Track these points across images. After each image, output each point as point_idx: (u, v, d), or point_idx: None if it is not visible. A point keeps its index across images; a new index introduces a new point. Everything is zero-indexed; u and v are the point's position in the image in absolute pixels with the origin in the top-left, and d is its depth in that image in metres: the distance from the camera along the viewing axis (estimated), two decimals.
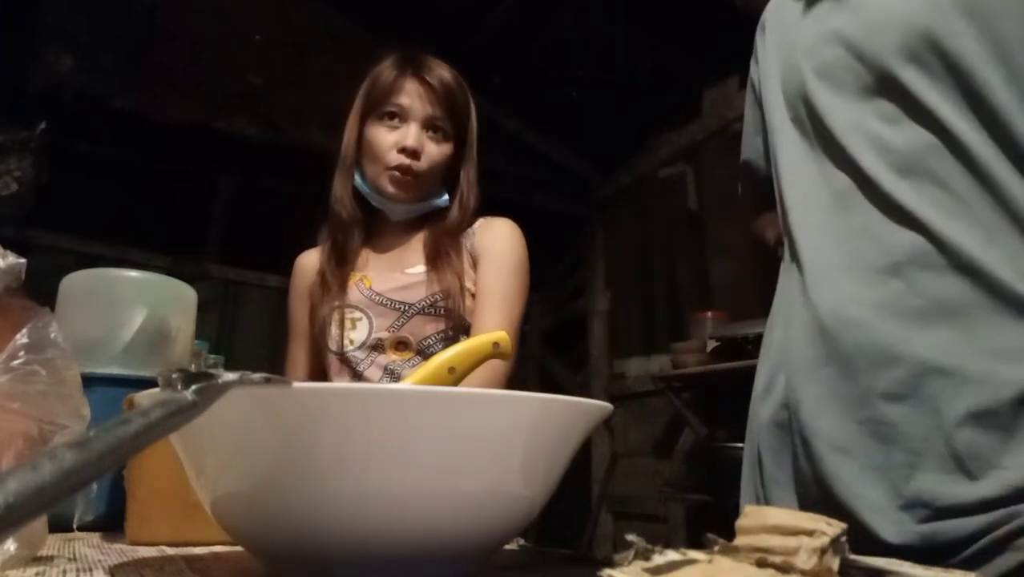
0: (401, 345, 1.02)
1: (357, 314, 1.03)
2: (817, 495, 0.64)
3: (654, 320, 3.51)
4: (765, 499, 0.73)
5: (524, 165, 3.71)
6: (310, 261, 1.13)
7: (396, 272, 1.05)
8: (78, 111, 3.04)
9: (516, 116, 3.62)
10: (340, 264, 1.06)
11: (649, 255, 3.60)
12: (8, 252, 0.59)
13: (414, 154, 1.01)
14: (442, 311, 1.02)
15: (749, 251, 3.06)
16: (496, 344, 0.70)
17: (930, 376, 0.57)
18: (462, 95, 1.07)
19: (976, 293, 0.58)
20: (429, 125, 1.04)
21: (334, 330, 1.03)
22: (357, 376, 1.02)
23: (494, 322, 0.99)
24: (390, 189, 1.03)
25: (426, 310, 1.02)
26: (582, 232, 4.05)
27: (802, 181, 0.71)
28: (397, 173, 1.02)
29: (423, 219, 1.08)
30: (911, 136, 0.62)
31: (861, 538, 0.58)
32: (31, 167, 2.74)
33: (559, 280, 4.17)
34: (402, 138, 1.02)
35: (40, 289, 0.64)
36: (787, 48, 0.76)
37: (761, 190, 0.87)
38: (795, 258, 0.71)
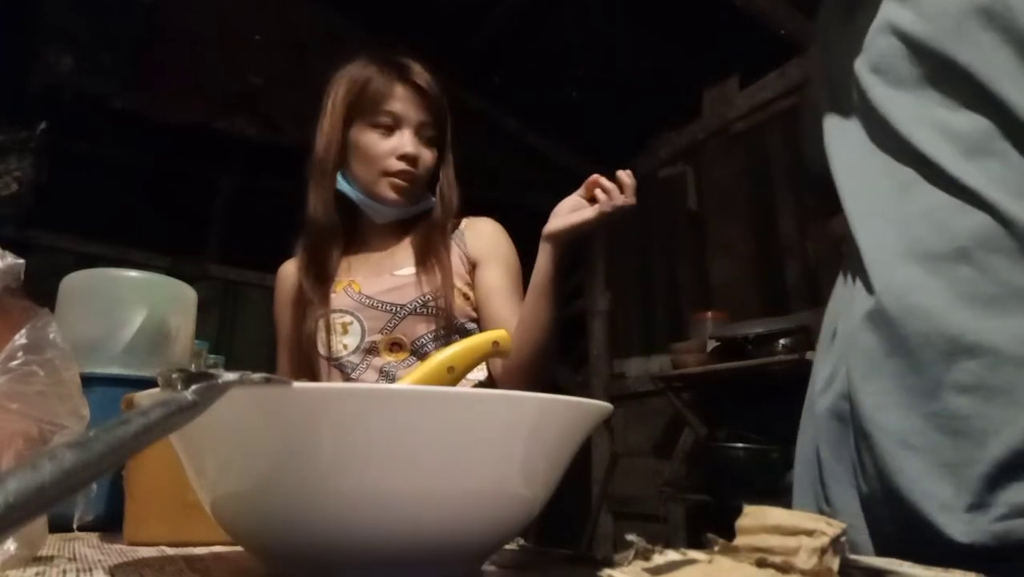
0: (395, 346, 1.03)
1: (348, 319, 1.03)
2: (880, 492, 0.62)
3: (654, 320, 3.51)
4: (825, 497, 0.70)
5: (524, 165, 3.71)
6: (291, 271, 1.12)
7: (384, 275, 1.06)
8: (78, 111, 3.04)
9: (516, 116, 3.62)
10: (319, 279, 1.06)
11: (649, 255, 3.60)
12: (7, 252, 0.59)
13: (414, 160, 1.03)
14: (434, 310, 1.02)
15: (749, 251, 3.06)
16: (496, 343, 0.70)
17: (1005, 366, 0.55)
18: (443, 98, 1.08)
19: None
20: (419, 131, 1.05)
21: (324, 337, 1.03)
22: (349, 381, 1.01)
23: (506, 312, 1.03)
24: (391, 195, 1.04)
25: (418, 310, 1.02)
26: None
27: (861, 175, 0.69)
28: (398, 180, 1.03)
29: (403, 222, 1.09)
30: (975, 119, 0.60)
31: (930, 538, 0.56)
32: (31, 167, 2.74)
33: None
34: (399, 145, 1.03)
35: (40, 289, 0.64)
36: (837, 46, 0.75)
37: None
38: (853, 248, 0.69)
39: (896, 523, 0.60)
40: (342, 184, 1.06)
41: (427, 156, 1.05)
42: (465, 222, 1.12)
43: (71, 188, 2.99)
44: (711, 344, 2.71)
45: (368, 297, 1.04)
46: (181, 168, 3.47)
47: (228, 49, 3.27)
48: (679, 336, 3.04)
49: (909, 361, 0.60)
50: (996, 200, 0.58)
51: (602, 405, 0.45)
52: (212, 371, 0.34)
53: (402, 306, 1.02)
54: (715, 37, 2.98)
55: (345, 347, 1.02)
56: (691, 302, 3.20)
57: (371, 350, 1.02)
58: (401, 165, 1.02)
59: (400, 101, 1.03)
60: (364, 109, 1.03)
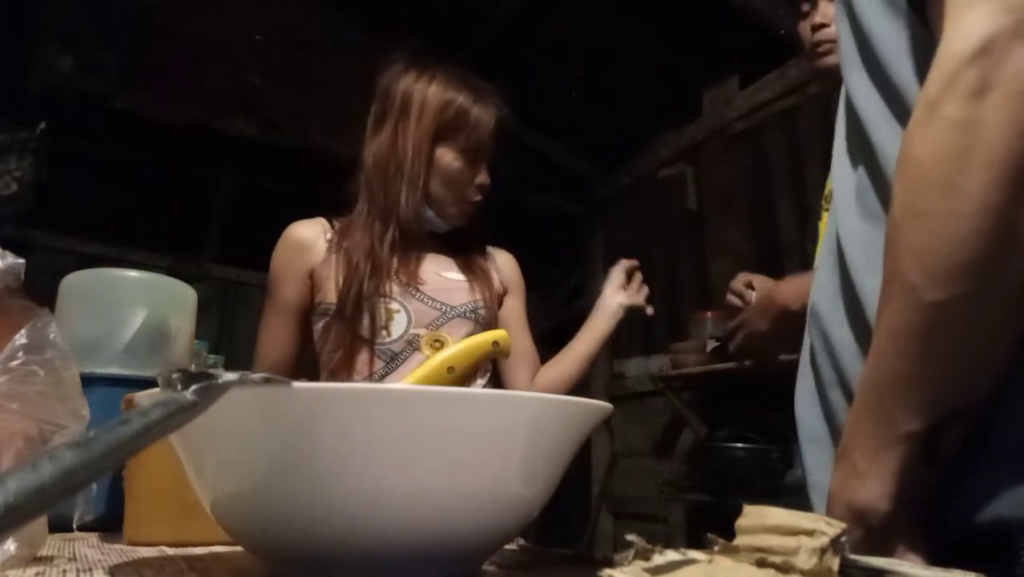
0: (437, 343, 1.05)
1: (395, 306, 1.05)
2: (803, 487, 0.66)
3: (654, 320, 3.50)
4: None
5: (524, 165, 3.70)
6: (310, 236, 1.09)
7: (432, 274, 1.09)
8: (78, 111, 3.03)
9: (516, 116, 3.61)
10: (392, 255, 1.06)
11: (649, 255, 3.60)
12: (7, 252, 0.59)
13: (487, 191, 1.12)
14: (481, 318, 1.09)
15: (749, 251, 3.06)
16: (496, 343, 0.70)
17: (846, 359, 0.58)
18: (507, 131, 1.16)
19: None
20: (489, 159, 1.13)
21: (368, 320, 1.03)
22: (392, 368, 1.03)
23: (527, 339, 1.20)
24: (459, 219, 1.11)
25: (466, 315, 1.07)
26: (581, 232, 4.04)
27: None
28: (471, 208, 1.12)
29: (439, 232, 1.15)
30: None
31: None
32: (31, 167, 2.73)
33: (559, 280, 4.17)
34: (480, 176, 1.11)
35: (40, 289, 0.64)
36: None
37: None
38: None
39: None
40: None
41: (489, 185, 1.13)
42: (490, 249, 1.21)
43: (71, 188, 2.98)
44: (711, 344, 2.71)
45: (420, 292, 1.06)
46: (181, 168, 3.46)
47: (228, 49, 3.27)
48: (679, 336, 3.04)
49: (815, 360, 0.62)
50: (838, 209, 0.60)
51: (602, 405, 0.45)
52: (212, 371, 0.34)
53: (452, 307, 1.07)
54: (715, 37, 2.98)
55: (388, 333, 1.04)
56: (691, 302, 3.20)
57: (412, 342, 1.04)
58: (479, 196, 1.11)
59: (489, 134, 1.10)
60: (456, 133, 1.08)
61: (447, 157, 1.08)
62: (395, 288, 1.05)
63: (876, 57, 0.54)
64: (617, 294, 1.28)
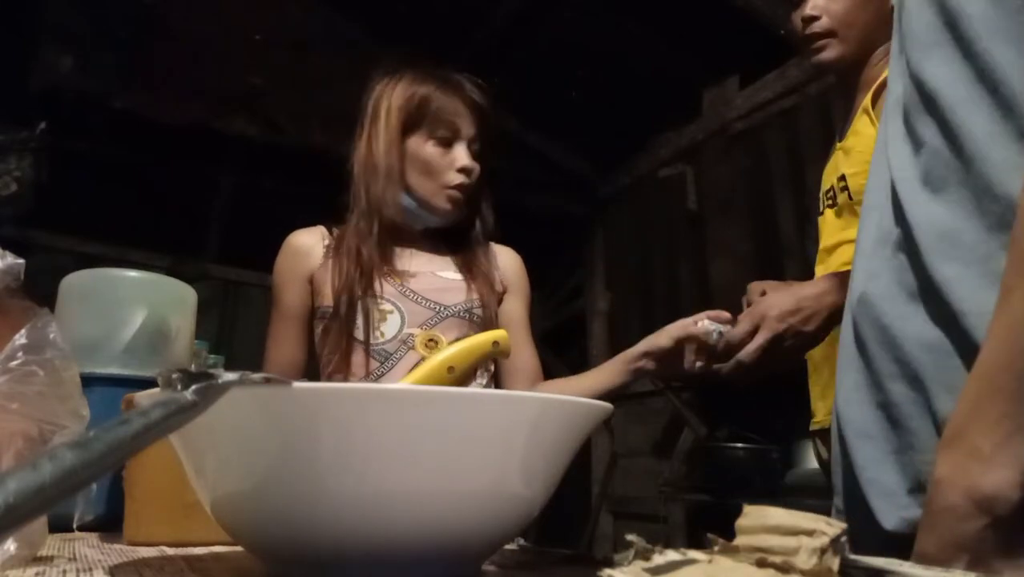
0: (431, 343, 1.05)
1: (388, 307, 1.05)
2: (845, 486, 0.63)
3: (654, 320, 3.49)
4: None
5: (524, 165, 3.71)
6: (309, 243, 1.12)
7: (427, 274, 1.09)
8: (78, 111, 3.04)
9: (516, 116, 3.62)
10: (383, 259, 1.07)
11: (649, 255, 3.60)
12: (7, 252, 0.59)
13: (470, 173, 1.08)
14: (476, 318, 1.08)
15: (749, 251, 3.06)
16: (496, 343, 0.70)
17: (918, 353, 0.55)
18: (492, 115, 1.13)
19: None
20: (470, 144, 1.09)
21: (362, 321, 1.04)
22: (386, 368, 1.03)
23: (528, 349, 1.14)
24: (447, 207, 1.08)
25: (461, 314, 1.07)
26: (582, 232, 4.05)
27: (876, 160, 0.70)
28: (456, 192, 1.08)
29: (438, 229, 1.13)
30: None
31: (865, 525, 0.56)
32: (31, 167, 2.73)
33: (559, 280, 4.17)
34: (457, 158, 1.07)
35: (40, 289, 0.64)
36: None
37: None
38: None
39: (852, 513, 0.61)
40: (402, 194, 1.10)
41: (476, 169, 1.10)
42: (493, 247, 1.18)
43: (71, 188, 2.98)
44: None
45: (412, 291, 1.07)
46: (181, 168, 3.46)
47: (228, 49, 3.27)
48: None
49: (867, 353, 0.60)
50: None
51: (602, 405, 0.45)
52: (212, 371, 0.33)
53: (446, 307, 1.06)
54: (715, 37, 2.98)
55: (382, 334, 1.04)
56: (691, 302, 3.20)
57: (406, 341, 1.05)
58: (460, 178, 1.07)
59: (458, 116, 1.08)
60: (423, 122, 1.08)
61: (418, 146, 1.08)
62: (388, 288, 1.06)
63: (968, 37, 0.53)
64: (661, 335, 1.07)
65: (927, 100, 0.56)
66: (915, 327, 0.55)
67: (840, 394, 0.64)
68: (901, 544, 0.49)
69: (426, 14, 3.11)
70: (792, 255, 2.84)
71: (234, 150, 3.50)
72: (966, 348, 0.50)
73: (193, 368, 0.34)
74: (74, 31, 3.06)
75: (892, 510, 0.55)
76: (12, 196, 2.69)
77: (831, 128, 2.75)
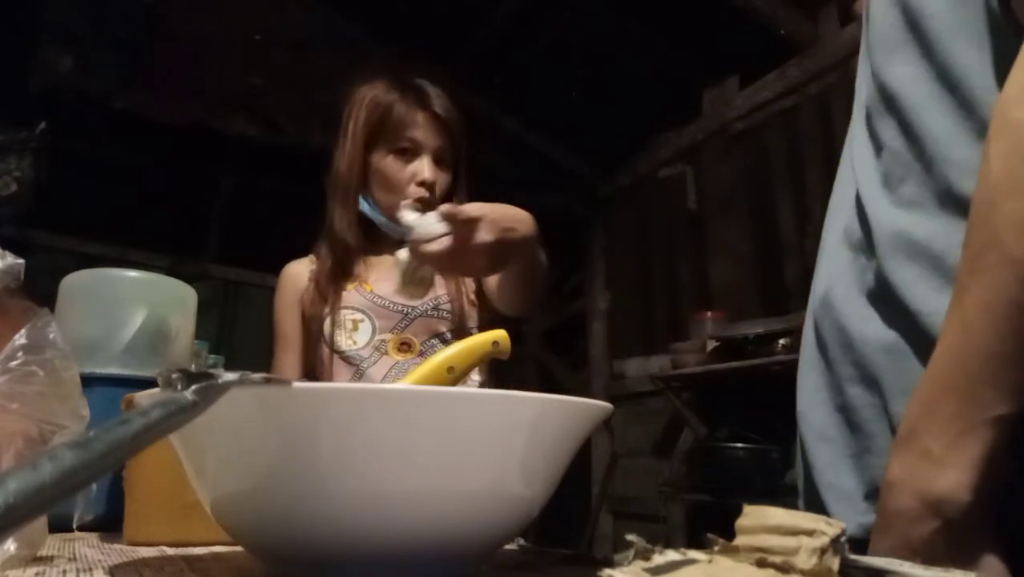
0: (404, 346, 1.06)
1: (359, 316, 1.07)
2: (805, 489, 0.62)
3: (654, 320, 3.50)
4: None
5: (524, 165, 3.71)
6: (299, 271, 1.15)
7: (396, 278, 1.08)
8: (78, 111, 3.03)
9: (516, 116, 3.62)
10: (339, 280, 1.09)
11: (649, 255, 3.60)
12: (7, 252, 0.59)
13: (431, 187, 1.07)
14: (445, 313, 1.08)
15: (748, 251, 3.06)
16: (496, 342, 0.70)
17: (875, 355, 0.55)
18: (460, 123, 1.11)
19: None
20: (437, 156, 1.08)
21: (333, 331, 1.06)
22: (360, 373, 1.04)
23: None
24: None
25: (429, 312, 1.07)
26: (582, 232, 4.04)
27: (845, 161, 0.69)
28: (417, 205, 1.06)
29: None
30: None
31: None
32: (31, 167, 2.74)
33: (559, 280, 4.17)
34: (418, 171, 1.06)
35: (40, 289, 0.64)
36: None
37: None
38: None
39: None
40: (362, 204, 1.10)
41: (443, 180, 1.09)
42: None
43: (71, 188, 2.99)
44: (711, 344, 2.71)
45: (380, 297, 1.08)
46: (181, 168, 3.46)
47: (228, 49, 3.27)
48: (679, 336, 3.04)
49: (827, 354, 0.59)
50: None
51: (602, 405, 0.45)
52: (212, 371, 0.33)
53: (413, 308, 1.07)
54: (715, 37, 2.98)
55: (355, 343, 1.06)
56: (691, 302, 3.20)
57: (379, 347, 1.06)
58: (420, 192, 1.06)
59: (419, 128, 1.07)
60: (385, 135, 1.07)
61: (379, 160, 1.07)
62: (358, 298, 1.08)
63: (929, 37, 0.52)
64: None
65: (888, 101, 0.56)
66: (873, 329, 0.55)
67: (801, 396, 0.64)
68: (859, 550, 0.49)
69: (426, 14, 3.11)
70: (792, 255, 2.84)
71: (234, 150, 3.50)
72: (923, 350, 0.49)
73: (193, 368, 0.34)
74: (74, 31, 3.06)
75: (850, 515, 0.54)
76: (12, 196, 2.69)
77: (831, 128, 2.75)
